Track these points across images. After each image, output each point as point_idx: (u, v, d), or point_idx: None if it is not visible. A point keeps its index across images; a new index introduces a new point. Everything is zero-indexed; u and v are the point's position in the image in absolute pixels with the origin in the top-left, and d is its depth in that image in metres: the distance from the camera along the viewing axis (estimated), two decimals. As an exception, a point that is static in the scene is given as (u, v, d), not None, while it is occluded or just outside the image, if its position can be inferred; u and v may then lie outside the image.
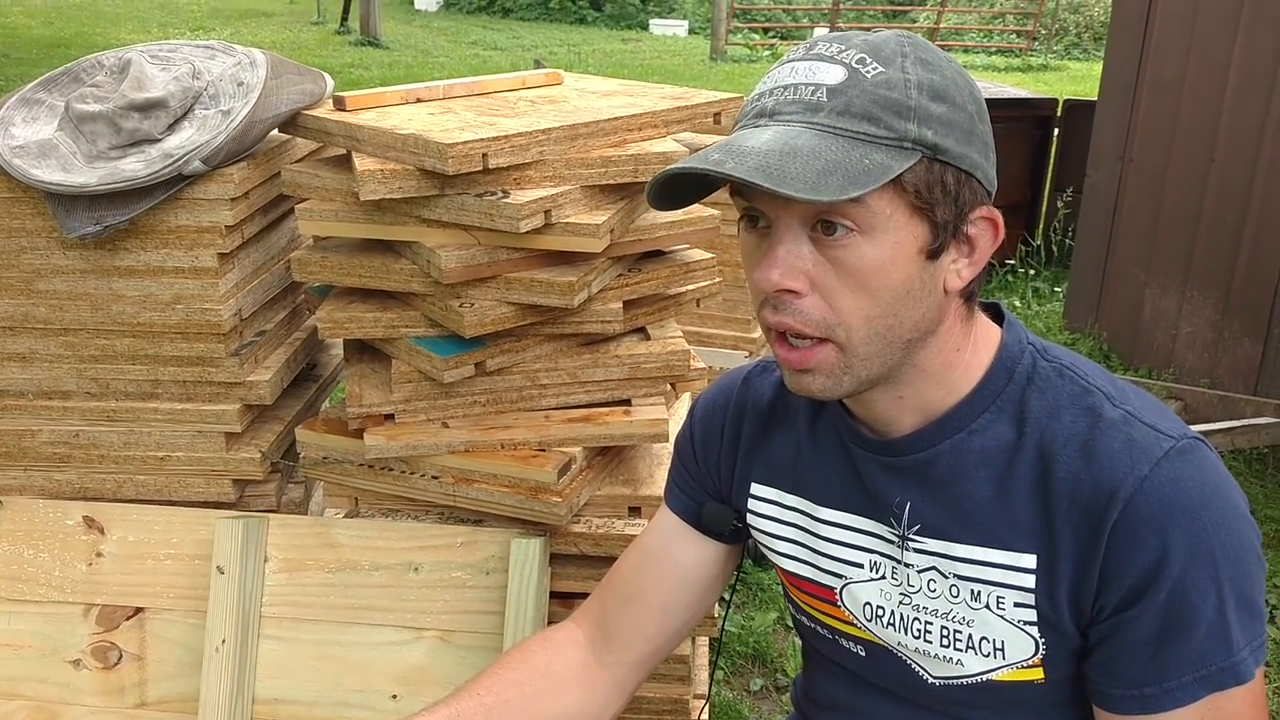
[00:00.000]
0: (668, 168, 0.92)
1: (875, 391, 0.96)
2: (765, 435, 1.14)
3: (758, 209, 0.91)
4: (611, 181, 1.48)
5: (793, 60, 0.91)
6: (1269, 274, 3.71)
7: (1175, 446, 0.91)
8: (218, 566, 1.56)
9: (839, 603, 1.08)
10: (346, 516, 1.66)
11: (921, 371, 0.96)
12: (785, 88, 0.89)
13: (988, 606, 0.97)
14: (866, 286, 0.89)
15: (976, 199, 0.91)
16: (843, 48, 0.89)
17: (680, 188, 0.94)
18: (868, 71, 0.87)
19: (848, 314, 0.89)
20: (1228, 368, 3.92)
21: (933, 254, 0.90)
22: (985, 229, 0.93)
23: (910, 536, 1.00)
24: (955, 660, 1.00)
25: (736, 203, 0.93)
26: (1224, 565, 0.89)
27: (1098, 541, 0.90)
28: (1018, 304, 5.28)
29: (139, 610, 1.61)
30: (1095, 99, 4.76)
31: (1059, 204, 5.56)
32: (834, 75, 0.88)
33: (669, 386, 1.64)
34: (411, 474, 1.60)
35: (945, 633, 1.00)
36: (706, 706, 1.68)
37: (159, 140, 1.59)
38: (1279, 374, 3.71)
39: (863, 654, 1.09)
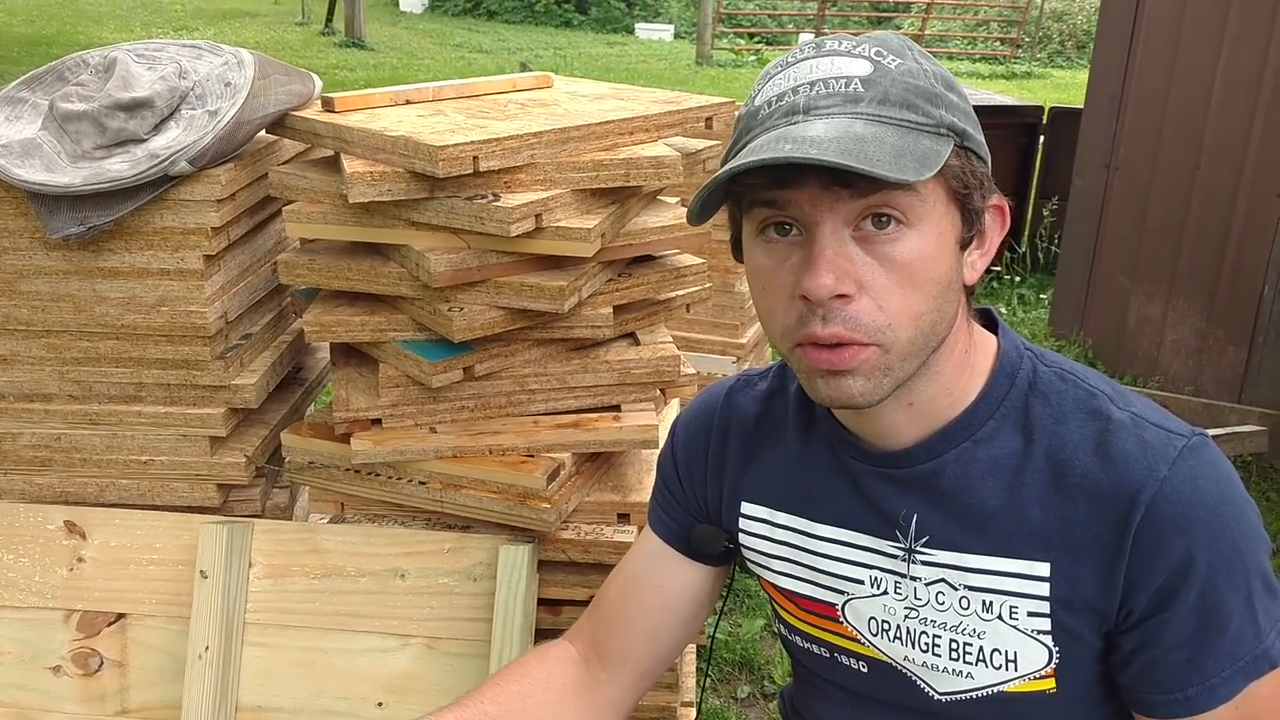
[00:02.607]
0: (733, 165, 0.84)
1: (888, 398, 0.91)
2: (753, 452, 1.12)
3: (789, 217, 0.87)
4: (603, 185, 1.47)
5: (806, 59, 0.89)
6: (1253, 282, 3.73)
7: (1187, 444, 0.91)
8: (201, 572, 1.54)
9: (841, 619, 1.06)
10: (332, 522, 1.64)
11: (935, 374, 0.94)
12: (813, 83, 0.86)
13: (1000, 617, 0.96)
14: (916, 281, 0.86)
15: (991, 187, 0.91)
16: (854, 44, 0.89)
17: (713, 193, 0.89)
18: (889, 63, 0.87)
19: (897, 313, 0.86)
20: (1212, 375, 3.94)
21: (964, 244, 0.90)
22: (995, 218, 0.94)
23: (918, 549, 0.99)
24: (965, 673, 0.99)
25: (757, 215, 0.89)
26: (1247, 555, 0.89)
27: (1121, 546, 0.90)
28: (1003, 310, 5.30)
29: (121, 616, 1.59)
30: (1080, 107, 4.78)
31: (1044, 211, 5.58)
32: (860, 68, 0.86)
33: (659, 392, 1.63)
34: (398, 479, 1.58)
35: (955, 645, 0.98)
36: (694, 714, 1.67)
37: (144, 140, 1.57)
38: (1263, 381, 3.73)
39: (864, 670, 1.07)
